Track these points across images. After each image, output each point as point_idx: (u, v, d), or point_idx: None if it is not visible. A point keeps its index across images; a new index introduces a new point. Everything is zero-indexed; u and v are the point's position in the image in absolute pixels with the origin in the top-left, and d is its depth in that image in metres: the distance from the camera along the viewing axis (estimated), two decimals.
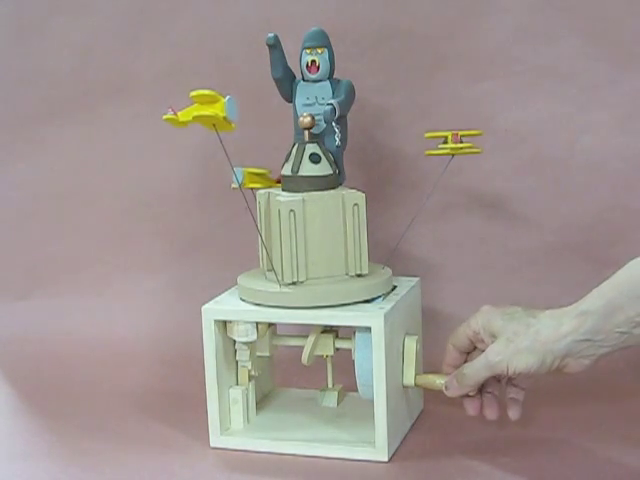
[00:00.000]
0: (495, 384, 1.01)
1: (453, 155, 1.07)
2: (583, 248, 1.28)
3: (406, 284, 1.12)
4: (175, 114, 1.01)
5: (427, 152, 1.08)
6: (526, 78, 1.27)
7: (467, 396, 1.02)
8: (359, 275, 1.07)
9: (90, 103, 1.43)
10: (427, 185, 1.31)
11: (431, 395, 1.17)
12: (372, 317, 1.01)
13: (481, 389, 1.01)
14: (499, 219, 1.30)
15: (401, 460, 1.04)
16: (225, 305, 1.08)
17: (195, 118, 1.01)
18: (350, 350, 1.08)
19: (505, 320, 0.95)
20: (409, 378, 1.06)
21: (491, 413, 1.01)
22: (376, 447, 1.03)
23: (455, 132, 1.06)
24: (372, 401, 1.03)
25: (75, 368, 1.35)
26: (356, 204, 1.06)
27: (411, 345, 1.07)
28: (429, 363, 1.17)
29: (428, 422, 1.13)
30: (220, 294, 1.11)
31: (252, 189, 1.11)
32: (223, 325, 1.08)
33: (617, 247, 1.27)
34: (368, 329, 1.02)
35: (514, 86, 1.28)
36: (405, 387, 1.07)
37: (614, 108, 1.26)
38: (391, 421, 1.03)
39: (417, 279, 1.15)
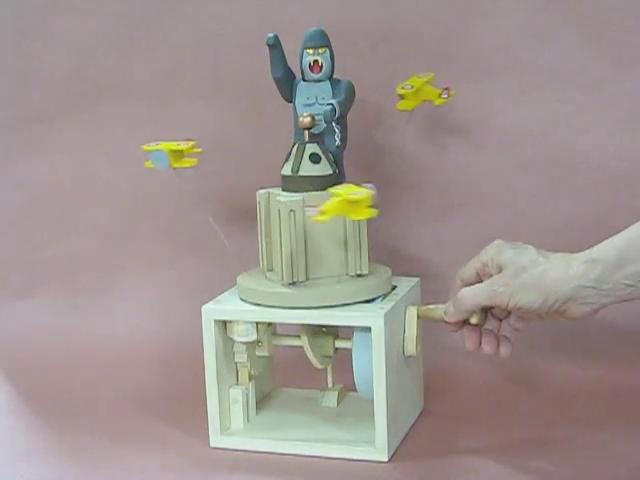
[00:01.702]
0: (494, 322, 1.00)
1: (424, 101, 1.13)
2: (583, 248, 1.27)
3: (406, 284, 1.12)
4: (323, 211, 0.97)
5: (400, 105, 1.13)
6: (526, 78, 1.27)
7: (467, 324, 0.99)
8: (359, 275, 1.07)
9: (90, 103, 1.43)
10: (427, 185, 1.31)
11: (431, 395, 1.18)
12: (372, 317, 1.01)
13: (485, 318, 0.99)
14: (499, 219, 1.30)
15: (401, 460, 1.04)
16: (225, 305, 1.08)
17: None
18: (350, 350, 1.08)
19: (515, 254, 0.94)
20: (411, 348, 1.06)
21: (489, 347, 0.99)
22: (376, 447, 1.03)
23: (443, 89, 1.13)
24: (372, 401, 1.03)
25: (75, 368, 1.35)
26: None
27: (412, 313, 1.06)
28: (429, 363, 1.18)
29: (428, 422, 1.13)
30: (220, 294, 1.11)
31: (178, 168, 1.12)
32: (223, 325, 1.08)
33: None
34: (368, 329, 1.02)
35: (514, 86, 1.28)
36: (408, 357, 1.07)
37: (614, 108, 1.26)
38: (391, 421, 1.03)
39: (417, 279, 1.15)
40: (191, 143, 1.12)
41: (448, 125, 1.30)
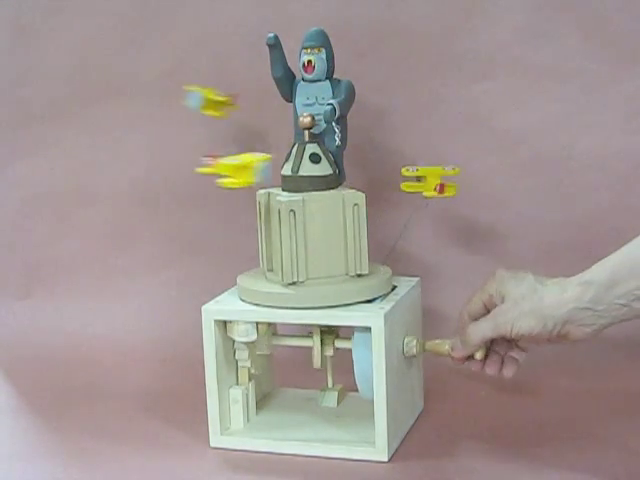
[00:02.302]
0: (502, 344, 1.02)
1: (426, 198, 1.11)
2: (583, 248, 1.28)
3: (406, 284, 1.12)
4: (213, 165, 0.99)
5: (403, 186, 1.12)
6: (526, 78, 1.27)
7: (472, 358, 1.02)
8: (359, 275, 1.07)
9: (90, 103, 1.43)
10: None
11: (431, 395, 1.18)
12: (372, 317, 1.01)
13: (488, 350, 1.02)
14: (499, 219, 1.30)
15: (401, 460, 1.04)
16: (225, 305, 1.08)
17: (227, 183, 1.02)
18: (350, 350, 1.08)
19: (515, 284, 0.97)
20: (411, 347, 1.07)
21: (490, 370, 1.02)
22: (376, 447, 1.03)
23: (438, 184, 1.10)
24: (372, 401, 1.03)
25: (75, 368, 1.35)
26: (356, 204, 1.06)
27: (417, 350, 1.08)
28: (429, 363, 1.18)
29: (428, 422, 1.13)
30: (220, 294, 1.11)
31: (209, 115, 1.12)
32: (223, 325, 1.08)
33: (617, 247, 1.26)
34: (368, 329, 1.02)
35: (514, 86, 1.28)
36: (408, 356, 1.08)
37: (614, 108, 1.26)
38: (391, 421, 1.03)
39: (417, 279, 1.15)
40: (228, 98, 1.13)
41: (448, 125, 1.30)
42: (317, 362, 1.09)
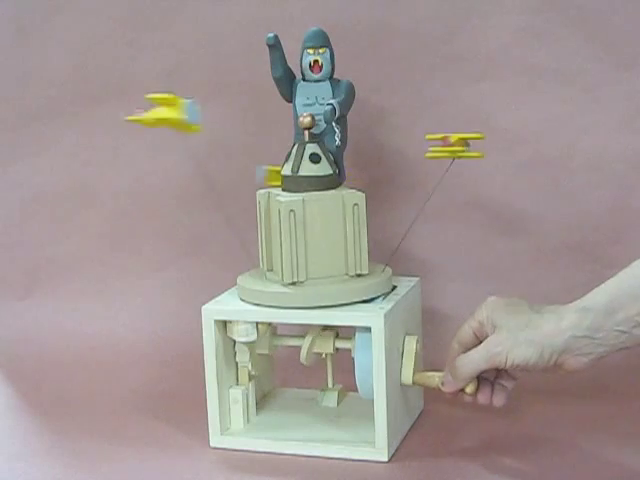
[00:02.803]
0: (491, 371, 0.98)
1: (454, 158, 1.06)
2: (583, 248, 1.28)
3: (406, 284, 1.12)
4: (141, 115, 1.00)
5: (427, 155, 1.07)
6: (526, 78, 1.27)
7: (463, 392, 0.99)
8: (359, 275, 1.07)
9: (90, 103, 1.43)
10: (427, 185, 1.31)
11: (431, 395, 1.17)
12: (372, 317, 1.01)
13: (478, 377, 0.99)
14: (499, 219, 1.30)
15: (401, 460, 1.04)
16: (225, 305, 1.08)
17: (158, 120, 1.01)
18: (350, 350, 1.08)
19: (508, 312, 0.94)
20: (407, 377, 1.06)
21: (483, 398, 0.99)
22: (376, 447, 1.03)
23: (448, 135, 1.05)
24: (372, 401, 1.03)
25: (75, 368, 1.35)
26: (356, 204, 1.06)
27: (411, 344, 1.06)
28: (429, 363, 1.17)
29: (428, 422, 1.13)
30: (220, 294, 1.11)
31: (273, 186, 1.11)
32: (223, 325, 1.08)
33: (617, 247, 1.27)
34: (368, 329, 1.02)
35: (514, 86, 1.28)
36: (403, 385, 1.07)
37: (614, 108, 1.26)
38: (391, 421, 1.03)
39: (417, 279, 1.15)
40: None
41: (448, 125, 1.30)
42: (303, 358, 1.09)
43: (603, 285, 0.90)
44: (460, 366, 0.97)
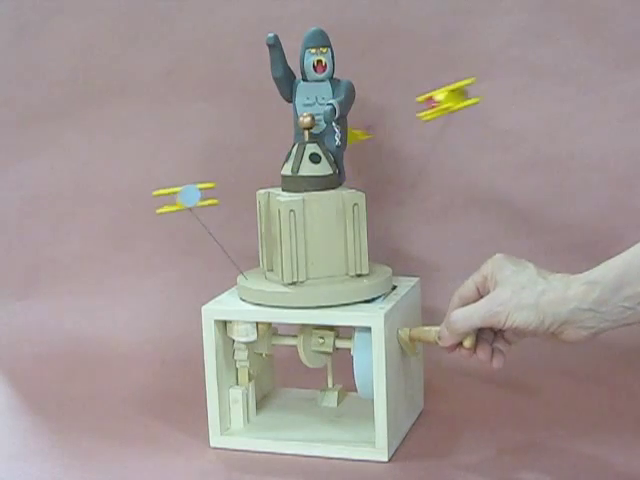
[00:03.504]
0: (488, 333, 0.98)
1: (450, 112, 1.02)
2: (583, 248, 1.28)
3: (406, 284, 1.12)
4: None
5: (420, 115, 1.03)
6: (526, 78, 1.27)
7: (461, 346, 0.97)
8: (359, 275, 1.07)
9: (90, 103, 1.43)
10: (427, 185, 1.31)
11: (431, 395, 1.18)
12: (372, 317, 1.01)
13: (477, 337, 0.97)
14: (499, 219, 1.30)
15: (401, 460, 1.04)
16: (225, 305, 1.08)
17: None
18: (350, 350, 1.08)
19: (515, 272, 0.93)
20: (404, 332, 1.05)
21: (483, 354, 0.97)
22: (376, 447, 1.03)
23: (432, 94, 1.02)
24: (372, 401, 1.03)
25: (75, 368, 1.35)
26: (356, 204, 1.06)
27: (405, 335, 1.06)
28: (429, 363, 1.18)
29: (428, 422, 1.13)
30: (220, 294, 1.11)
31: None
32: (223, 325, 1.08)
33: (617, 247, 1.26)
34: (368, 329, 1.02)
35: (514, 86, 1.28)
36: (400, 341, 1.06)
37: (614, 108, 1.26)
38: (391, 421, 1.03)
39: (417, 279, 1.15)
40: (210, 184, 1.10)
41: (448, 125, 1.30)
42: (305, 361, 1.09)
43: (612, 260, 0.89)
44: (455, 321, 0.95)
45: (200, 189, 1.06)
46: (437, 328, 1.00)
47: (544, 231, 1.29)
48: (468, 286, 0.96)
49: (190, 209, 1.05)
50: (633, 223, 1.26)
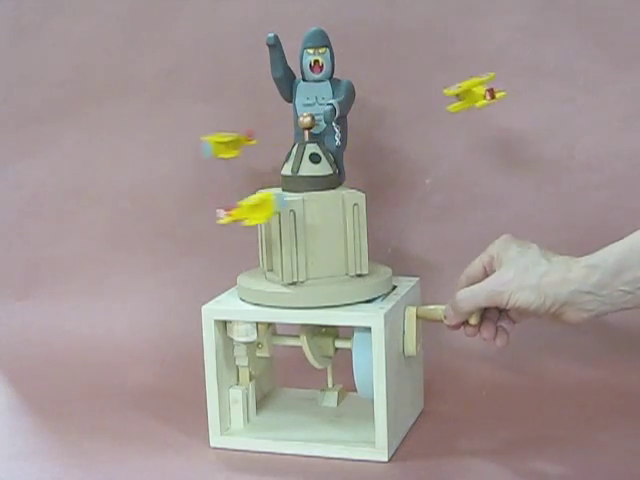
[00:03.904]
0: (493, 311, 1.00)
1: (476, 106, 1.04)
2: (583, 248, 1.27)
3: (406, 284, 1.12)
4: (229, 214, 0.99)
5: (451, 108, 1.05)
6: (526, 78, 1.27)
7: (467, 324, 1.00)
8: (359, 275, 1.07)
9: (90, 103, 1.43)
10: (427, 185, 1.31)
11: (431, 395, 1.18)
12: (372, 317, 1.01)
13: (482, 315, 1.00)
14: (499, 219, 1.30)
15: (401, 460, 1.04)
16: (225, 305, 1.08)
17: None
18: (350, 350, 1.08)
19: (519, 253, 0.95)
20: (411, 349, 1.06)
21: (487, 333, 0.99)
22: (376, 447, 1.03)
23: (460, 91, 1.04)
24: (372, 401, 1.03)
25: (75, 368, 1.35)
26: (356, 204, 1.06)
27: (411, 312, 1.06)
28: (429, 363, 1.18)
29: (428, 422, 1.13)
30: (220, 294, 1.11)
31: (225, 159, 1.12)
32: (223, 325, 1.08)
33: None
34: (368, 329, 1.02)
35: (514, 86, 1.28)
36: (407, 358, 1.07)
37: (614, 108, 1.26)
38: (391, 421, 1.03)
39: (417, 279, 1.15)
40: (239, 137, 1.13)
41: (448, 125, 1.30)
42: (314, 362, 1.09)
43: (613, 245, 0.91)
44: (460, 300, 0.97)
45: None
46: (443, 307, 1.02)
47: (544, 231, 1.29)
48: (475, 265, 0.99)
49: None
50: (633, 223, 1.26)
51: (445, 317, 1.01)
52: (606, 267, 0.90)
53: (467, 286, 0.98)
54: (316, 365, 1.10)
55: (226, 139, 1.13)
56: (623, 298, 0.90)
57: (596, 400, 1.16)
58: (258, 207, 0.99)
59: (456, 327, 1.01)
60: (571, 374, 1.23)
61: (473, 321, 0.99)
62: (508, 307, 0.94)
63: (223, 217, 0.97)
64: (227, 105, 1.37)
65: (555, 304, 0.91)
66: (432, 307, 1.05)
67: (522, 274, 0.93)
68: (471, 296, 0.96)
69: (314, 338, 1.10)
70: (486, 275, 0.97)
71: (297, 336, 1.11)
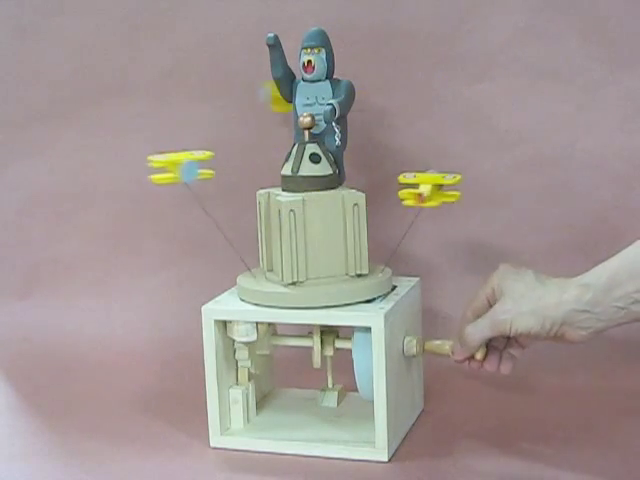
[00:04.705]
0: (500, 339, 1.01)
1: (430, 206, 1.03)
2: (583, 248, 1.28)
3: (406, 284, 1.12)
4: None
5: (400, 194, 1.04)
6: (526, 78, 1.27)
7: (472, 359, 1.01)
8: (359, 275, 1.07)
9: (90, 103, 1.43)
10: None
11: (431, 395, 1.18)
12: (372, 317, 1.01)
13: (487, 348, 1.01)
14: (499, 219, 1.30)
15: (401, 460, 1.04)
16: (225, 305, 1.08)
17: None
18: (350, 350, 1.08)
19: (515, 280, 0.97)
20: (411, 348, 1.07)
21: (490, 366, 1.02)
22: (376, 447, 1.03)
23: (421, 192, 1.02)
24: (372, 401, 1.03)
25: (75, 368, 1.35)
26: (356, 204, 1.06)
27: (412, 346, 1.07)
28: (429, 363, 1.18)
29: (428, 422, 1.13)
30: (220, 294, 1.11)
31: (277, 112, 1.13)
32: (223, 325, 1.08)
33: (617, 247, 1.26)
34: (368, 329, 1.02)
35: (514, 86, 1.28)
36: (408, 356, 1.07)
37: (614, 108, 1.26)
38: (391, 421, 1.03)
39: (417, 279, 1.15)
40: (207, 153, 1.11)
41: (448, 125, 1.30)
42: (317, 362, 1.09)
43: (605, 263, 0.93)
44: (468, 334, 0.99)
45: (198, 161, 1.08)
46: (450, 342, 1.03)
47: (544, 231, 1.29)
48: (479, 298, 1.00)
49: (186, 184, 1.06)
50: (633, 223, 1.26)
51: (453, 352, 1.02)
52: (598, 285, 0.92)
53: (473, 320, 1.00)
54: (318, 364, 1.10)
55: (198, 157, 1.10)
56: (618, 314, 0.91)
57: (598, 401, 1.16)
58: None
59: (462, 361, 1.02)
60: (571, 374, 1.23)
61: (479, 356, 1.01)
62: (511, 334, 0.96)
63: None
64: (227, 105, 1.37)
65: (554, 325, 0.93)
66: (439, 342, 1.06)
67: (519, 301, 0.95)
68: (477, 330, 0.98)
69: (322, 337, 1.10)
70: (490, 307, 0.99)
71: (297, 336, 1.11)
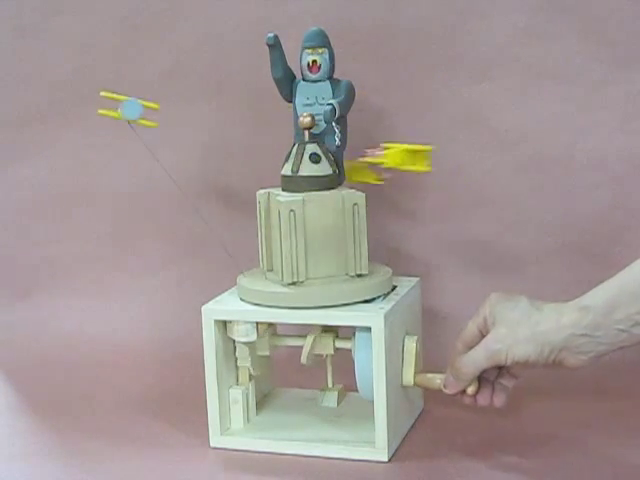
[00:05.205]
0: (492, 370, 0.99)
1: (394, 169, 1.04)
2: (583, 248, 1.28)
3: (406, 284, 1.12)
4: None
5: (361, 159, 1.05)
6: (526, 78, 1.27)
7: (464, 393, 0.99)
8: (359, 275, 1.07)
9: (90, 103, 1.43)
10: (427, 185, 1.31)
11: (431, 395, 1.17)
12: (372, 317, 1.01)
13: (479, 378, 0.99)
14: (499, 219, 1.30)
15: (401, 460, 1.04)
16: (225, 305, 1.08)
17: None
18: (350, 350, 1.08)
19: (509, 308, 0.94)
20: (408, 378, 1.06)
21: (483, 400, 0.99)
22: (376, 447, 1.03)
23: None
24: (372, 401, 1.03)
25: (75, 368, 1.35)
26: (356, 204, 1.06)
27: (411, 345, 1.06)
28: (429, 363, 1.17)
29: (428, 422, 1.13)
30: (220, 294, 1.11)
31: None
32: (223, 325, 1.08)
33: (617, 247, 1.26)
34: (368, 329, 1.02)
35: (514, 86, 1.28)
36: (404, 387, 1.07)
37: (614, 108, 1.26)
38: (391, 421, 1.03)
39: (417, 279, 1.15)
40: (156, 105, 1.13)
41: (448, 125, 1.30)
42: (304, 359, 1.09)
43: (604, 284, 0.90)
44: (461, 367, 0.97)
45: (144, 106, 1.10)
46: (441, 375, 1.02)
47: (544, 231, 1.29)
48: (470, 329, 0.98)
49: (129, 122, 1.08)
50: (633, 223, 1.26)
51: (445, 386, 1.00)
52: (597, 307, 0.89)
53: (464, 352, 0.97)
54: (305, 362, 1.09)
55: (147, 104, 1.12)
56: (619, 337, 0.88)
57: (596, 401, 1.16)
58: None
59: (455, 395, 1.00)
60: (572, 374, 1.23)
61: (471, 390, 0.98)
62: (508, 364, 0.93)
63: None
64: (227, 105, 1.37)
65: (553, 351, 0.91)
66: (430, 376, 1.04)
67: (515, 328, 0.92)
68: (471, 361, 0.96)
69: (317, 338, 1.09)
70: (482, 337, 0.96)
71: (297, 336, 1.11)
